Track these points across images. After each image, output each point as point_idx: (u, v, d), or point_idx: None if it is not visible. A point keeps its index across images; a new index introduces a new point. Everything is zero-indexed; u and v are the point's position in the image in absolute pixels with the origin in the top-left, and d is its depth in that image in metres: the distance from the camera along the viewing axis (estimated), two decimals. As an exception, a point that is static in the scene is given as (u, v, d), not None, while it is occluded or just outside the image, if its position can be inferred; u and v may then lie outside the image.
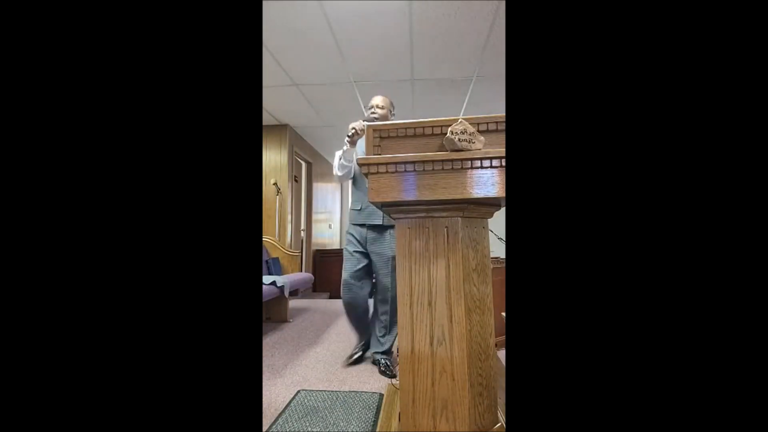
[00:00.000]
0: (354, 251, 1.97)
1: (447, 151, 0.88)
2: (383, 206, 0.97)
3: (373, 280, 2.06)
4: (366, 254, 1.97)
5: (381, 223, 1.92)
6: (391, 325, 1.99)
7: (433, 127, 0.92)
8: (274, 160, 4.31)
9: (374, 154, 0.94)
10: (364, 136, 1.71)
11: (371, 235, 1.96)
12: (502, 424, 0.97)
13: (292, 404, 1.55)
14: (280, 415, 1.46)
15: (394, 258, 1.86)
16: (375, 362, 2.02)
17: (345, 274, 1.95)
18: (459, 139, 0.86)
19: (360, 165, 0.89)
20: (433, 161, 0.83)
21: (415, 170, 0.85)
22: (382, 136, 0.95)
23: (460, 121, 0.88)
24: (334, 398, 1.59)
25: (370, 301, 2.06)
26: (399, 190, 0.86)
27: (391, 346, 2.02)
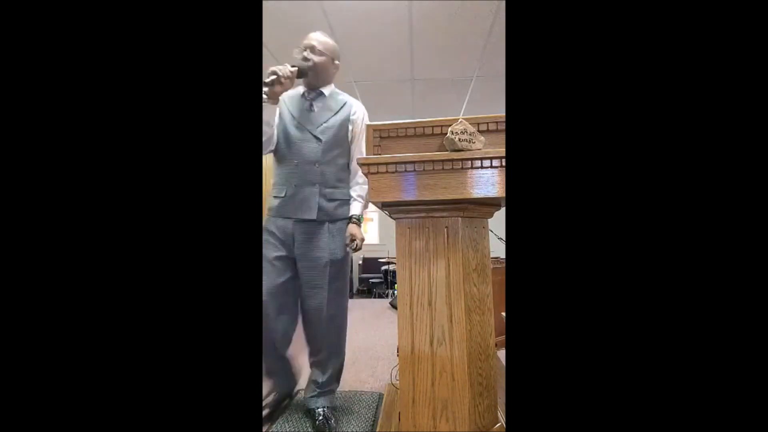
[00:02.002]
0: (275, 257, 1.31)
1: (447, 151, 0.88)
2: (383, 206, 0.97)
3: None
4: (293, 261, 1.34)
5: (315, 217, 1.31)
6: (330, 359, 1.38)
7: (433, 127, 0.92)
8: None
9: (374, 154, 0.94)
10: (291, 87, 1.24)
11: (300, 233, 1.32)
12: (502, 424, 0.97)
13: (292, 404, 1.55)
14: (280, 414, 1.46)
15: (333, 263, 1.33)
16: (308, 412, 1.41)
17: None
18: (459, 139, 0.86)
19: (360, 165, 0.89)
20: (433, 161, 0.83)
21: (415, 170, 0.85)
22: (382, 136, 0.95)
23: (460, 121, 0.88)
24: (334, 398, 1.58)
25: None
26: (399, 190, 0.86)
27: (335, 381, 1.43)
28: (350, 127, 1.37)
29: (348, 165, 1.39)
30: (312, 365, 1.42)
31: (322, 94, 1.38)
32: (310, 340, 1.40)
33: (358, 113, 1.39)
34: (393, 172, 0.85)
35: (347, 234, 1.34)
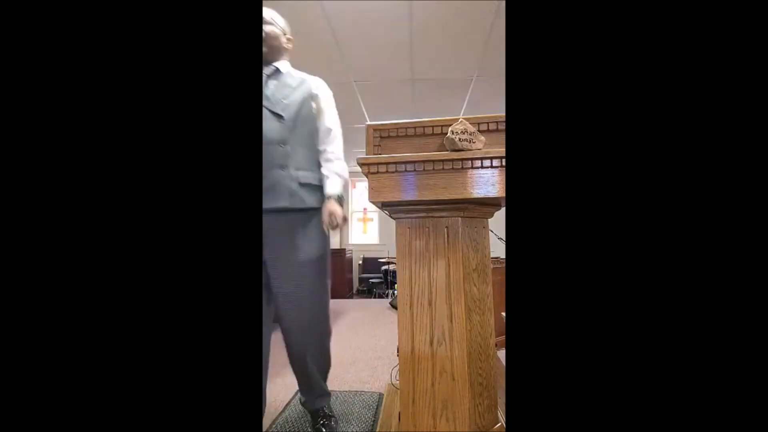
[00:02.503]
0: None
1: (447, 151, 0.88)
2: (383, 206, 0.97)
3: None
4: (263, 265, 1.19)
5: (288, 204, 1.14)
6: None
7: (433, 127, 0.92)
8: (274, 160, 4.28)
9: (374, 154, 0.94)
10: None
11: (270, 229, 1.14)
12: (502, 424, 0.97)
13: (292, 404, 1.55)
14: (279, 414, 1.46)
15: (309, 265, 1.19)
16: (311, 412, 1.36)
17: None
18: (459, 139, 0.86)
19: (360, 165, 0.89)
20: (433, 161, 0.83)
21: (415, 170, 0.85)
22: (382, 136, 0.95)
23: (461, 121, 0.88)
24: (334, 398, 1.58)
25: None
26: (399, 190, 0.86)
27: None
28: (314, 105, 1.25)
29: (316, 145, 1.26)
30: (298, 373, 1.32)
31: (278, 70, 1.26)
32: (295, 348, 1.26)
33: (320, 88, 1.28)
34: (393, 172, 0.85)
35: (325, 211, 1.16)
